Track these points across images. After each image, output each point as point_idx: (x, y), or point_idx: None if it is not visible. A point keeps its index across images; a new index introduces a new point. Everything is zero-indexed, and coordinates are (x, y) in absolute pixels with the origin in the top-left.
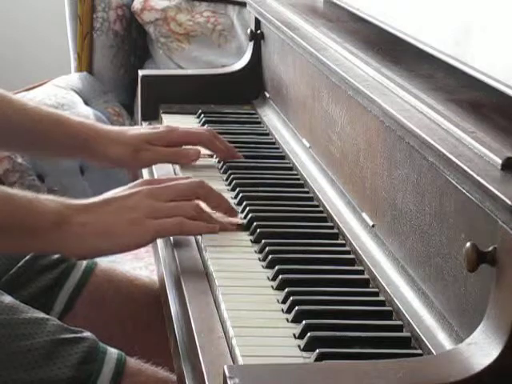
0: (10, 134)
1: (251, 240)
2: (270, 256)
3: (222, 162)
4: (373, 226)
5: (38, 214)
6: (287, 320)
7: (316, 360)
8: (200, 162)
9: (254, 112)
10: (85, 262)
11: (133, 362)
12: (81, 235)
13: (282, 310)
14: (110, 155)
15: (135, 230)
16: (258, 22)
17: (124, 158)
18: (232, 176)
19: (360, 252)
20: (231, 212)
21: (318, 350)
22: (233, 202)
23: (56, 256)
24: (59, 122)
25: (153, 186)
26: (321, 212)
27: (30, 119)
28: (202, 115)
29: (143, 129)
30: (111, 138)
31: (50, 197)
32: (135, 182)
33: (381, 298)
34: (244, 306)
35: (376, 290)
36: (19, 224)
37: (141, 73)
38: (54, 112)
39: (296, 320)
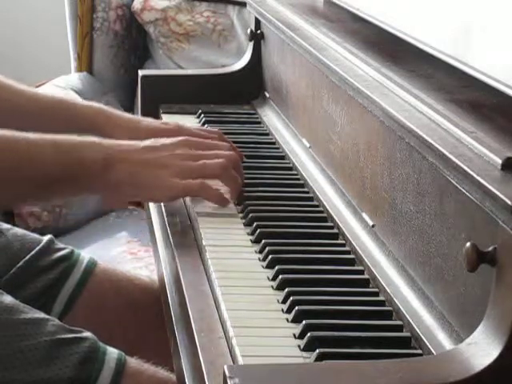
0: (8, 116)
1: (251, 240)
2: (270, 256)
3: None
4: (373, 226)
5: (88, 161)
6: (287, 320)
7: (316, 360)
8: None
9: (254, 112)
10: (85, 262)
11: (133, 362)
12: (120, 181)
13: (282, 310)
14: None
15: (159, 186)
16: (258, 22)
17: None
18: None
19: (360, 252)
20: (237, 194)
21: (317, 350)
22: (233, 201)
23: (56, 256)
24: (63, 105)
25: (189, 152)
26: (321, 212)
27: (28, 100)
28: (202, 115)
29: (154, 122)
30: (120, 125)
31: (95, 141)
32: (179, 139)
33: (381, 298)
34: (244, 305)
35: (376, 290)
36: (71, 173)
37: (141, 73)
38: (57, 95)
39: (296, 320)
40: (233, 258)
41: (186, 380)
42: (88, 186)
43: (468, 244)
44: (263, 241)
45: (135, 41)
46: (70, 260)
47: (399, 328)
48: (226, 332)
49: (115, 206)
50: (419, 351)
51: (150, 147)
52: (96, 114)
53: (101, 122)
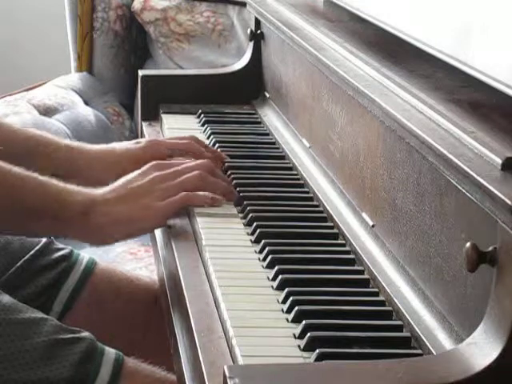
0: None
1: (251, 240)
2: (270, 256)
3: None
4: (373, 226)
5: (68, 205)
6: (287, 320)
7: (316, 360)
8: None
9: (253, 112)
10: (85, 262)
11: (131, 362)
12: (102, 224)
13: (282, 310)
14: (97, 178)
15: (147, 215)
16: (258, 22)
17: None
18: (232, 176)
19: (360, 252)
20: (230, 195)
21: (317, 350)
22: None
23: (56, 256)
24: (40, 147)
25: (162, 172)
26: (321, 212)
27: (19, 143)
28: (202, 115)
29: (128, 144)
30: (95, 157)
31: (76, 188)
32: (147, 167)
33: (381, 298)
34: (244, 305)
35: (376, 290)
36: (51, 212)
37: (141, 73)
38: (35, 134)
39: (296, 320)
40: (233, 257)
41: (186, 380)
42: (66, 228)
43: (468, 244)
44: (263, 241)
45: (135, 41)
46: (69, 260)
47: (399, 328)
48: (226, 332)
49: (102, 245)
50: (419, 351)
51: (125, 182)
52: (68, 151)
53: (75, 158)
